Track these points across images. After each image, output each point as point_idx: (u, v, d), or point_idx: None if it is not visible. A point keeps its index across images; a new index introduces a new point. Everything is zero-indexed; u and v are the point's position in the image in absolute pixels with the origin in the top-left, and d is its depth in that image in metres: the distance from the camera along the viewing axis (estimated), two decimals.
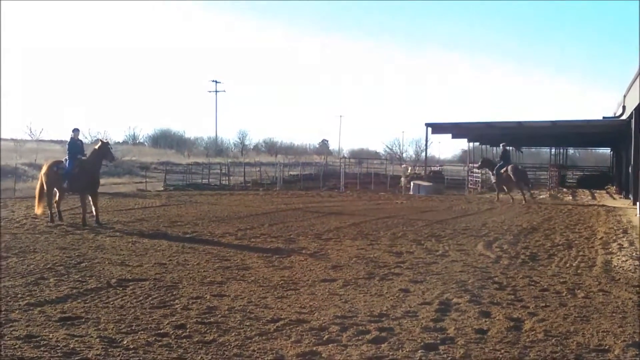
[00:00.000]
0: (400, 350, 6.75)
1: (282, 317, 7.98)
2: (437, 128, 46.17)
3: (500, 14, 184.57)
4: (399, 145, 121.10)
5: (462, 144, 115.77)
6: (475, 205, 27.53)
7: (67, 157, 18.63)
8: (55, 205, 18.60)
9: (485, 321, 8.00)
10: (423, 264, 12.11)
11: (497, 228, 18.37)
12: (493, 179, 31.74)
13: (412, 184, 39.75)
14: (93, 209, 18.37)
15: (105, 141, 19.01)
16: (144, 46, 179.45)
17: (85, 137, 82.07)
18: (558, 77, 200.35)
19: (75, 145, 18.81)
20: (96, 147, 18.57)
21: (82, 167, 18.22)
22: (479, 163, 34.18)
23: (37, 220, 18.34)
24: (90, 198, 18.49)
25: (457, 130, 46.09)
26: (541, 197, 35.20)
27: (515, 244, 15.14)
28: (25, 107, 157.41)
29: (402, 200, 31.09)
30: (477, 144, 51.38)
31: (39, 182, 18.95)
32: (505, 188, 30.92)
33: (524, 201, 29.24)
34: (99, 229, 16.56)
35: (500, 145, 34.48)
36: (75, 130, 19.18)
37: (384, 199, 31.44)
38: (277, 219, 20.19)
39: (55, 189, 18.54)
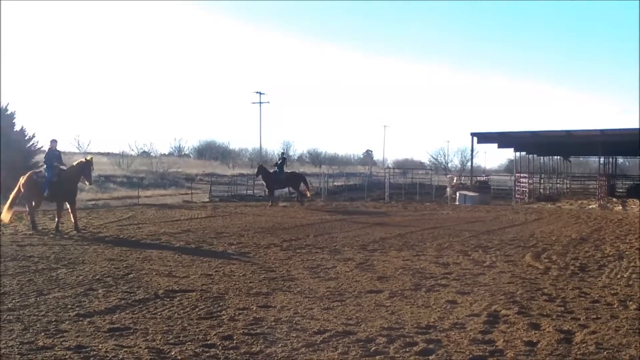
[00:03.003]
0: None
1: (328, 328, 7.95)
2: (483, 137, 45.81)
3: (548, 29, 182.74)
4: (444, 155, 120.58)
5: (509, 154, 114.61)
6: (522, 216, 27.19)
7: (45, 167, 19.32)
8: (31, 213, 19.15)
9: (535, 333, 7.87)
10: (470, 275, 11.98)
11: (545, 239, 18.11)
12: (266, 187, 33.44)
13: (457, 194, 39.39)
14: (72, 217, 18.98)
15: (89, 160, 19.57)
16: (190, 58, 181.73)
17: (131, 150, 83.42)
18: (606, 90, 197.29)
19: (53, 155, 19.46)
20: (81, 161, 19.56)
21: (61, 177, 18.97)
22: (256, 170, 34.86)
23: (84, 231, 18.65)
24: (68, 207, 19.14)
25: (503, 139, 45.63)
26: (590, 207, 34.66)
27: (565, 254, 14.90)
28: (73, 120, 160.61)
29: (447, 210, 30.85)
30: (523, 153, 50.75)
31: (15, 190, 19.44)
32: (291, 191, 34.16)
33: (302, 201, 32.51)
34: (145, 241, 16.73)
35: (280, 153, 37.83)
36: (53, 141, 19.93)
37: (429, 210, 31.24)
38: (322, 229, 20.19)
39: (33, 198, 19.09)
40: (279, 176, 32.58)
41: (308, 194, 33.79)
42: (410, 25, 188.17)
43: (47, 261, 13.06)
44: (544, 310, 9.10)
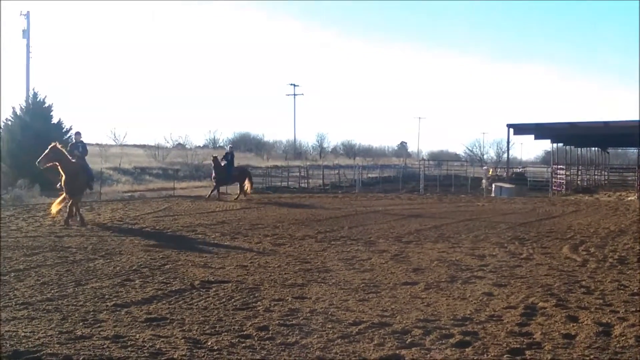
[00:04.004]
0: (485, 355, 6.62)
1: (364, 319, 7.93)
2: (519, 129, 45.37)
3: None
4: (480, 147, 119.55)
5: (545, 145, 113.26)
6: (559, 208, 26.89)
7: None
8: (68, 207, 18.78)
9: (573, 326, 7.77)
10: (507, 268, 11.87)
11: (583, 231, 17.89)
12: (215, 179, 31.84)
13: (493, 186, 39.08)
14: (74, 210, 18.54)
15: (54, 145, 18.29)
16: (224, 51, 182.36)
17: (167, 142, 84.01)
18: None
19: (75, 148, 19.40)
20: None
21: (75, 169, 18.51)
22: (212, 163, 32.89)
23: (121, 222, 18.84)
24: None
25: (539, 131, 45.18)
26: (629, 199, 34.16)
27: (603, 247, 14.69)
28: (109, 112, 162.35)
29: (483, 202, 30.62)
30: (561, 144, 50.14)
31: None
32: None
33: (242, 196, 31.39)
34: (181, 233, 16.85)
35: (228, 147, 37.37)
36: (77, 134, 20.07)
37: (465, 202, 31.03)
38: (357, 221, 20.16)
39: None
40: (230, 171, 31.68)
41: (249, 191, 32.36)
42: (445, 17, 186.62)
43: (85, 252, 13.22)
44: (582, 303, 8.99)
